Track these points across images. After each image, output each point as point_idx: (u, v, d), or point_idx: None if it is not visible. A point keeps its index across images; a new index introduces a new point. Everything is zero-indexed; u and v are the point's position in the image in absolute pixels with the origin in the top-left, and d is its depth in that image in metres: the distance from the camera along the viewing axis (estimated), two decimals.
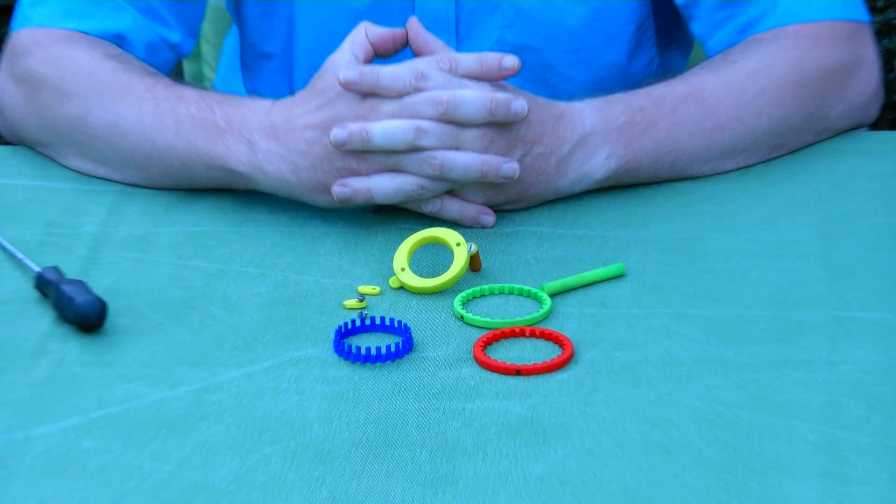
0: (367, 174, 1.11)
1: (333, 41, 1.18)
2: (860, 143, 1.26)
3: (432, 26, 1.33)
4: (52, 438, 0.93)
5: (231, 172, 1.16)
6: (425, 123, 1.10)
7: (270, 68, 1.47)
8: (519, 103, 1.11)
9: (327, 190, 1.12)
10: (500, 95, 1.11)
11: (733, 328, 1.03)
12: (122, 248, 1.15)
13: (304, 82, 1.19)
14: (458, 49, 1.33)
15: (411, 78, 1.11)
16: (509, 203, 1.17)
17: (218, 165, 1.16)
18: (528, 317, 1.04)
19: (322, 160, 1.12)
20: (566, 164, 1.17)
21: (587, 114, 1.18)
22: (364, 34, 1.16)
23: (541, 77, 1.33)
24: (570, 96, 1.20)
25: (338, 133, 1.09)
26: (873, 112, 1.29)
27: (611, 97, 1.20)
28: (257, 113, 1.16)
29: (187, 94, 1.20)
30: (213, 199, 1.20)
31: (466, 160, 1.11)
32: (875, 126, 1.33)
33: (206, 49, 1.63)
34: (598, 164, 1.18)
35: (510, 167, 1.12)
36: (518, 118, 1.11)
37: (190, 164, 1.18)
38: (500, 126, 1.12)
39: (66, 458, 0.91)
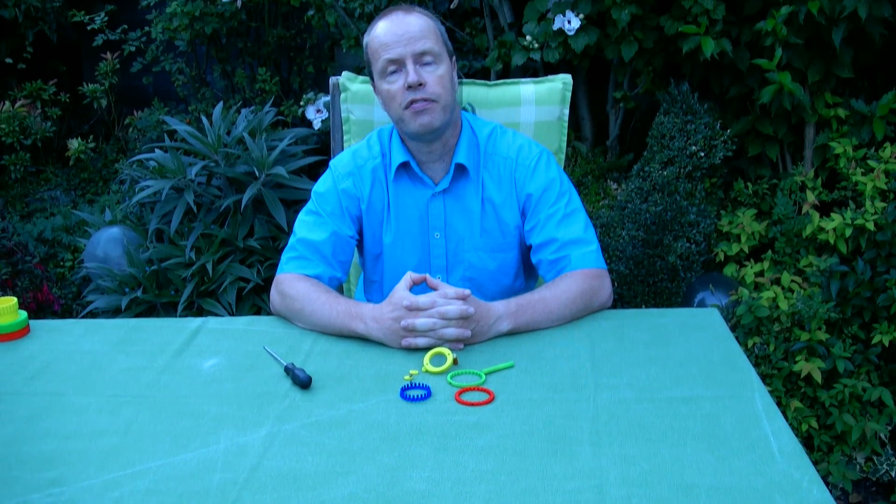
0: (415, 337, 1.10)
1: (399, 277, 1.17)
2: (604, 314, 1.22)
3: (436, 272, 1.33)
4: (291, 432, 0.94)
5: (358, 334, 1.14)
6: (436, 321, 1.09)
7: (374, 289, 1.42)
8: (470, 310, 1.10)
9: (398, 343, 1.11)
10: (463, 307, 1.09)
11: (555, 384, 1.01)
12: (317, 355, 1.12)
13: (388, 291, 1.16)
14: (446, 280, 1.31)
15: (430, 303, 1.10)
16: (468, 342, 1.13)
17: (353, 332, 1.14)
18: (475, 382, 1.03)
19: (396, 332, 1.10)
20: (490, 328, 1.13)
21: (500, 308, 1.14)
22: (409, 277, 1.14)
23: (479, 291, 1.25)
24: (491, 299, 1.17)
25: (404, 322, 1.09)
26: (609, 303, 1.25)
27: (508, 300, 1.16)
28: (368, 310, 1.13)
29: (341, 301, 1.17)
30: (353, 339, 1.15)
31: (452, 332, 1.09)
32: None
33: (352, 279, 1.63)
34: (503, 327, 1.14)
35: (466, 334, 1.10)
36: (470, 315, 1.10)
37: (341, 330, 1.15)
38: (464, 318, 1.10)
39: (296, 439, 0.92)
